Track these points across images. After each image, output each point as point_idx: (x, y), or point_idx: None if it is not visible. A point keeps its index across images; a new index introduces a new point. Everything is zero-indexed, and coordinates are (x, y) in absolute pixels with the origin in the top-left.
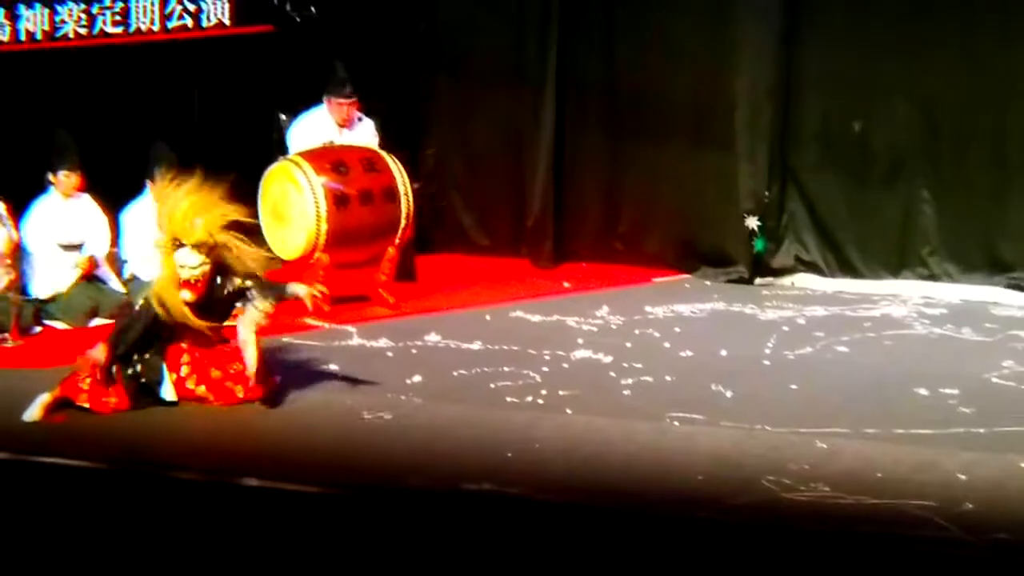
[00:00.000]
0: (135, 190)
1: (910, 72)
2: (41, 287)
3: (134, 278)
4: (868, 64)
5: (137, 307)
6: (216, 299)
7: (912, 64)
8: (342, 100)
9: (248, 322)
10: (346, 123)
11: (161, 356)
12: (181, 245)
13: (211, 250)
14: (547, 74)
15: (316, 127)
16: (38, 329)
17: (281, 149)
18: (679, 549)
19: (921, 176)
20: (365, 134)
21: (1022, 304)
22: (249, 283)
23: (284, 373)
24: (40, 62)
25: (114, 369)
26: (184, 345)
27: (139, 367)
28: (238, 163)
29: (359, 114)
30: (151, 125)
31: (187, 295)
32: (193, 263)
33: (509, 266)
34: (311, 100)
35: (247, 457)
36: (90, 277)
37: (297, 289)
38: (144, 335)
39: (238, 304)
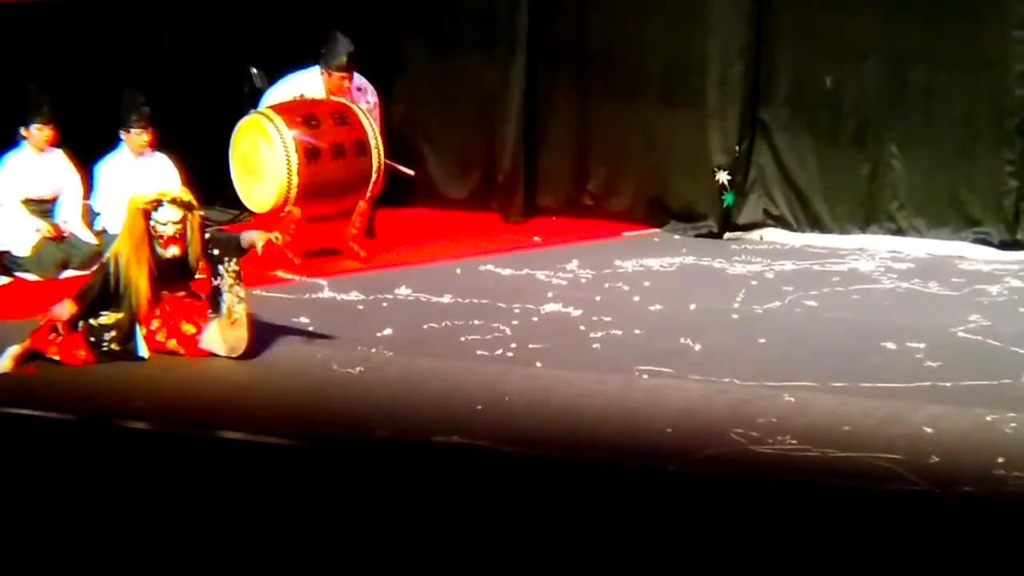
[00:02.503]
0: (109, 143)
1: (880, 30)
2: (10, 241)
3: (105, 230)
4: (839, 23)
5: (101, 264)
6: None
7: (882, 23)
8: (343, 74)
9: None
10: (341, 97)
11: (130, 315)
12: (160, 204)
13: (188, 206)
14: (518, 30)
15: (299, 91)
16: (6, 280)
17: (253, 103)
18: (647, 501)
19: (890, 131)
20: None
21: (988, 259)
22: (207, 235)
23: (255, 326)
24: (11, 16)
25: (80, 325)
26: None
27: (112, 332)
28: (209, 117)
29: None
30: (124, 79)
31: (175, 250)
32: (175, 218)
33: (479, 220)
34: (282, 53)
35: (217, 410)
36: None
37: (253, 236)
38: (105, 291)
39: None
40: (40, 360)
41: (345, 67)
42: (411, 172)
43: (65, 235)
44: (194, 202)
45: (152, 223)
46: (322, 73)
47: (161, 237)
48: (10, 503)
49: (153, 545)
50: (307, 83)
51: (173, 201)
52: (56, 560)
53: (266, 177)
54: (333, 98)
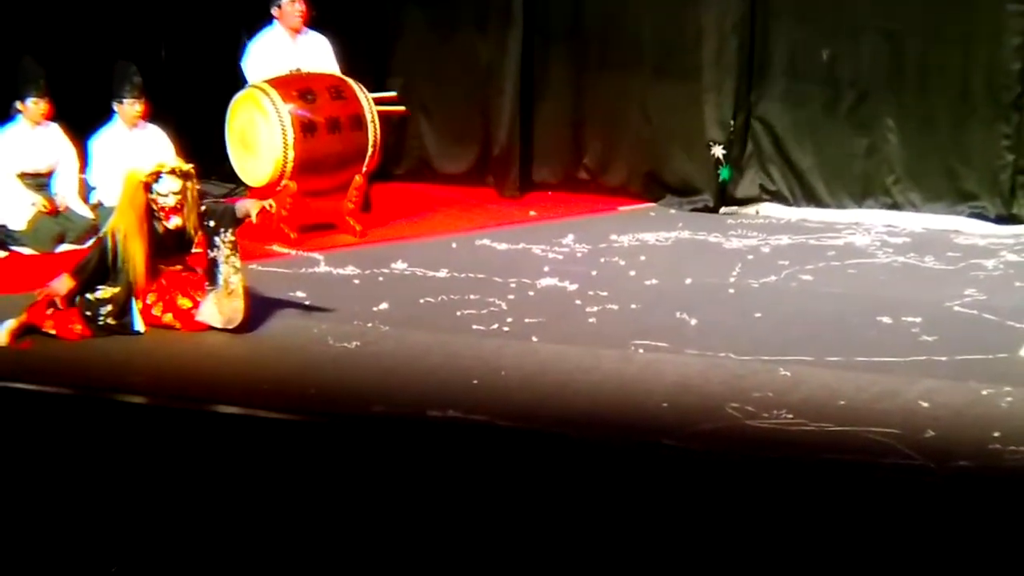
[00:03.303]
0: (105, 117)
1: (876, 4)
2: (6, 215)
3: (100, 204)
4: None
5: (97, 239)
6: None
7: None
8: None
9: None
10: (301, 25)
11: (127, 289)
12: (159, 176)
13: (187, 175)
14: (514, 5)
15: (269, 50)
16: (2, 254)
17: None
18: (643, 475)
19: (886, 106)
20: (318, 46)
21: (984, 233)
22: (203, 208)
23: (252, 300)
24: None
25: (77, 300)
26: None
27: (109, 307)
28: (206, 90)
29: (308, 28)
30: (119, 52)
31: (177, 220)
32: (175, 188)
33: (475, 195)
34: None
35: (213, 384)
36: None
37: (248, 205)
38: (103, 265)
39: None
40: (36, 334)
41: None
42: (402, 109)
43: (61, 209)
44: (192, 171)
45: (153, 195)
46: (275, 14)
47: (163, 209)
48: (7, 477)
49: (149, 519)
50: (272, 40)
51: (172, 171)
52: (53, 535)
53: (262, 151)
54: (322, 78)
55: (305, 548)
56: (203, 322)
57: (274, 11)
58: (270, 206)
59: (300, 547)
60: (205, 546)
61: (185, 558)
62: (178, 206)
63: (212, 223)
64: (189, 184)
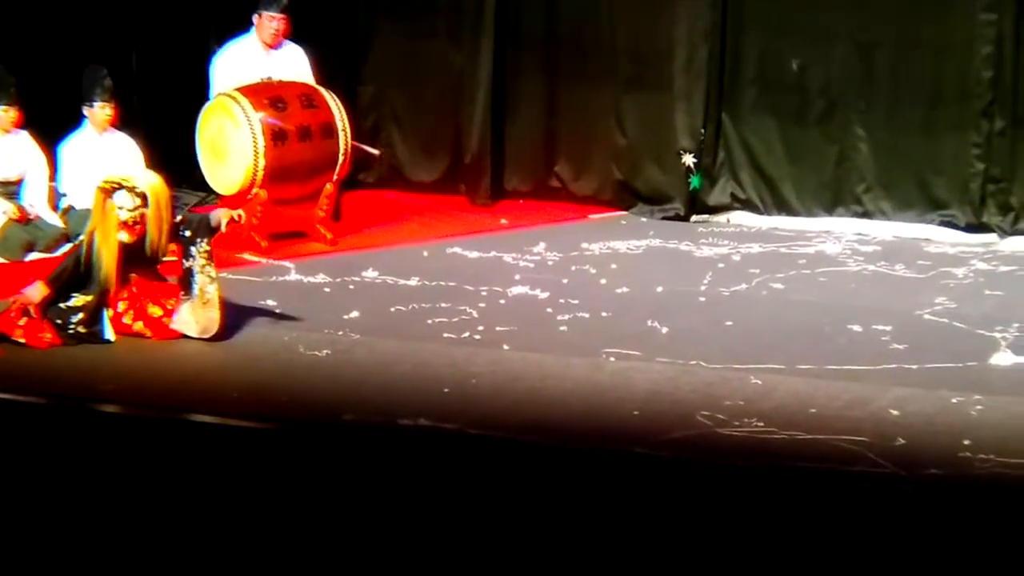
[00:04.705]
0: (74, 123)
1: (847, 13)
2: None
3: (70, 209)
4: (805, 5)
5: (73, 246)
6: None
7: (849, 5)
8: (274, 14)
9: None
10: (275, 41)
11: (99, 297)
12: (119, 188)
13: (145, 199)
14: (486, 13)
15: (241, 57)
16: None
17: None
18: (614, 483)
19: (856, 114)
20: (292, 59)
21: (954, 241)
22: (179, 218)
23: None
24: None
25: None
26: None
27: (80, 315)
28: (176, 98)
29: (286, 40)
30: (89, 59)
31: (124, 236)
32: (130, 205)
33: (447, 203)
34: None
35: (184, 392)
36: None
37: (219, 215)
38: (77, 271)
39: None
40: (6, 343)
41: (277, 7)
42: (376, 152)
43: (31, 217)
44: (155, 193)
45: (110, 206)
46: (255, 21)
47: (116, 220)
48: None
49: (120, 529)
50: (244, 49)
51: (131, 189)
52: (25, 543)
53: (233, 159)
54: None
55: (277, 556)
56: (175, 330)
57: (255, 18)
58: (239, 216)
59: (272, 555)
60: (177, 555)
61: (157, 568)
62: (129, 223)
63: (188, 233)
64: (147, 210)
